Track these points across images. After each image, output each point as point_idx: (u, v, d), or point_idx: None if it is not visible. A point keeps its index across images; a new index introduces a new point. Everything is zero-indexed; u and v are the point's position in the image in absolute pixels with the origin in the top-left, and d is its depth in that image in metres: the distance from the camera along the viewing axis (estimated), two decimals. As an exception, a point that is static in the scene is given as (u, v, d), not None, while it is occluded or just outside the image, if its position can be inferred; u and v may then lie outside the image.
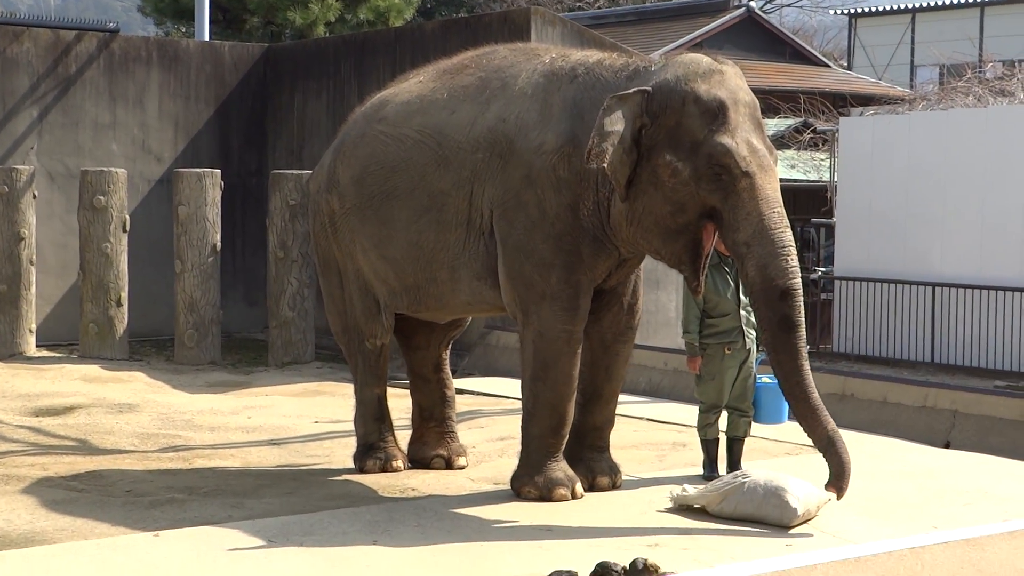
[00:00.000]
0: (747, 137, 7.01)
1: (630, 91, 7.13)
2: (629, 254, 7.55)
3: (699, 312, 7.99)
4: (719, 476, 7.90)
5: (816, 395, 6.90)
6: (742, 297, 7.95)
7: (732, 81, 7.16)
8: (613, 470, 7.90)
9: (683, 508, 7.27)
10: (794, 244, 7.01)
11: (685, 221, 7.11)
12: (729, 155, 6.92)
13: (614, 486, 7.83)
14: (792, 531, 6.88)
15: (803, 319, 6.93)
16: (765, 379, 8.14)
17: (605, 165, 7.03)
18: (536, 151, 7.45)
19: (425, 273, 7.95)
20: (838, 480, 6.89)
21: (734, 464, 8.11)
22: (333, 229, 8.42)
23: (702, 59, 7.24)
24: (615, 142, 7.01)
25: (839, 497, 6.94)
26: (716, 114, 7.00)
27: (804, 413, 6.89)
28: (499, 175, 7.57)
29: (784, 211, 7.02)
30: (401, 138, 8.01)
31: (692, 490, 7.32)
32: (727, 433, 8.19)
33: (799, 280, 6.96)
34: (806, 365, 6.91)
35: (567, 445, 7.69)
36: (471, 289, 7.85)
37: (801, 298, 6.94)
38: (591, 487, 7.72)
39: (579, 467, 7.75)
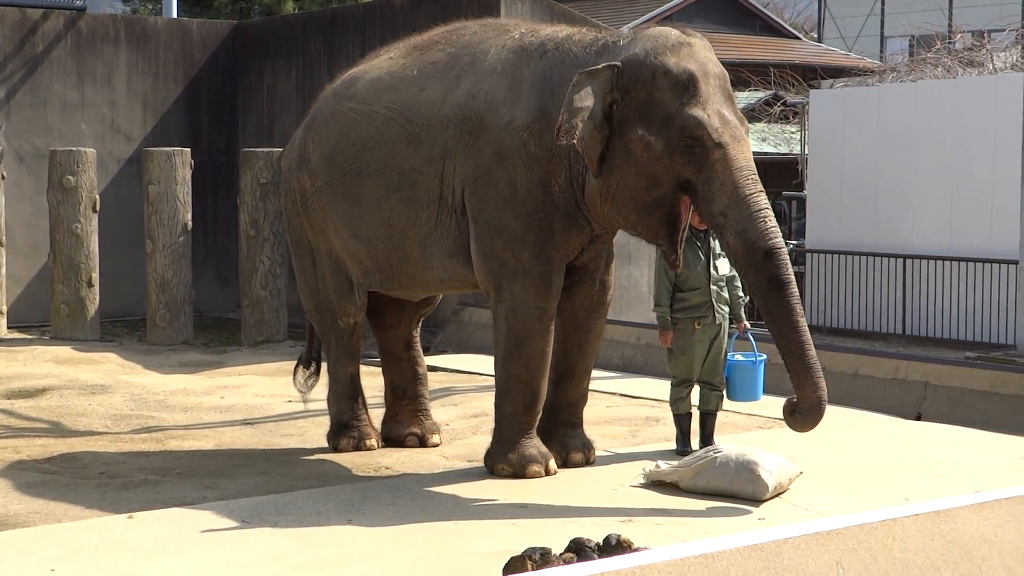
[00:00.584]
0: (718, 108, 7.02)
1: (599, 66, 7.12)
2: (602, 230, 7.55)
3: (670, 286, 8.01)
4: (692, 451, 7.94)
5: (812, 353, 6.84)
6: (712, 272, 7.97)
7: (701, 53, 7.16)
8: (587, 446, 7.92)
9: (656, 484, 7.30)
10: (770, 208, 7.01)
11: (660, 195, 7.11)
12: (701, 127, 6.93)
13: (588, 462, 7.86)
14: (764, 505, 6.91)
15: (792, 276, 6.92)
16: (738, 356, 8.15)
17: (575, 141, 7.03)
18: (506, 127, 7.44)
19: (397, 251, 7.94)
20: (804, 416, 6.88)
21: (707, 438, 8.14)
22: (305, 207, 8.40)
23: (671, 32, 7.24)
24: (585, 118, 7.00)
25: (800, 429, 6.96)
26: (687, 86, 7.00)
27: (797, 370, 6.83)
28: (470, 152, 7.56)
29: (758, 178, 7.03)
30: (371, 115, 7.99)
31: (665, 466, 7.35)
32: (699, 407, 8.22)
33: (781, 239, 6.96)
34: (802, 321, 6.89)
35: (540, 422, 7.71)
36: (443, 267, 7.85)
37: (786, 256, 6.93)
38: (564, 463, 7.74)
39: (552, 443, 7.77)
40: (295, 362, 9.27)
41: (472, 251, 7.61)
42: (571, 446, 7.86)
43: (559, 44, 7.56)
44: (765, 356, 8.11)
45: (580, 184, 7.34)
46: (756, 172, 7.05)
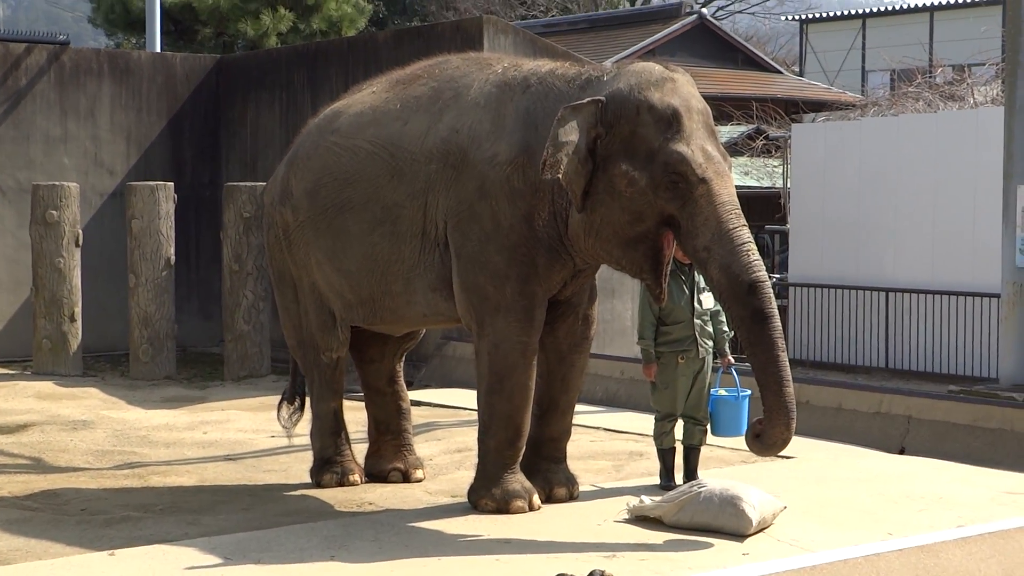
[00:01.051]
0: (702, 144, 7.04)
1: (584, 101, 7.14)
2: (584, 264, 7.56)
3: (654, 319, 7.99)
4: (675, 485, 7.92)
5: (790, 390, 6.87)
6: (696, 306, 7.97)
7: (684, 89, 7.19)
8: (570, 481, 7.90)
9: (640, 519, 7.28)
10: (753, 242, 7.03)
11: (644, 230, 7.12)
12: (685, 163, 6.95)
13: (571, 497, 7.84)
14: (749, 540, 6.90)
15: (775, 310, 6.94)
16: (722, 392, 8.14)
17: (560, 176, 7.04)
18: (489, 162, 7.45)
19: (380, 286, 7.94)
20: (764, 447, 6.96)
21: (690, 473, 8.12)
22: (287, 242, 8.40)
23: (654, 67, 7.26)
24: (569, 152, 7.02)
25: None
26: (671, 122, 7.02)
27: (771, 406, 6.85)
28: (453, 186, 7.56)
29: (741, 213, 7.05)
30: (354, 150, 7.99)
31: (649, 501, 7.34)
32: (683, 442, 8.20)
33: (764, 273, 6.97)
34: (783, 356, 6.90)
35: (524, 457, 7.69)
36: (427, 301, 7.84)
37: (770, 290, 6.93)
38: (548, 498, 7.72)
39: (536, 478, 7.75)
40: (278, 397, 9.25)
41: (454, 286, 7.61)
42: (555, 481, 7.84)
43: (542, 78, 7.58)
44: (749, 392, 8.08)
45: (564, 219, 7.35)
46: (739, 207, 7.07)
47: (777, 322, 6.91)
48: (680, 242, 7.12)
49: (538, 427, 7.82)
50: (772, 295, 6.95)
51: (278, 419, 9.07)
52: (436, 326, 8.63)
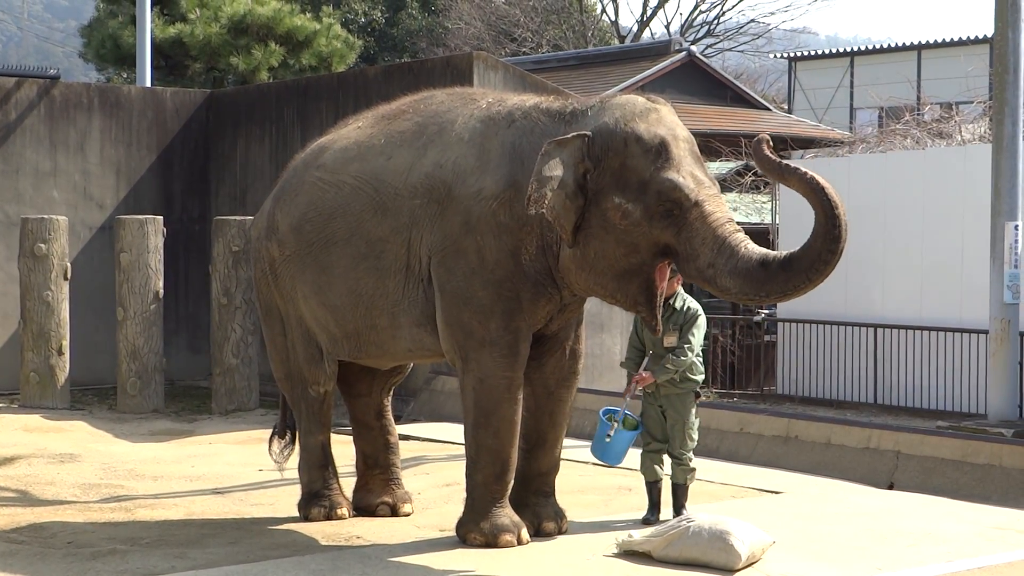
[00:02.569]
0: (691, 170, 7.11)
1: (569, 136, 7.17)
2: (572, 298, 7.56)
3: (639, 345, 8.07)
4: (657, 520, 7.91)
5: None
6: (668, 343, 7.95)
7: (668, 118, 7.26)
8: (559, 515, 7.89)
9: (629, 553, 7.27)
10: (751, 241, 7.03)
11: (639, 261, 7.15)
12: (678, 189, 7.00)
13: (560, 531, 7.83)
14: (737, 574, 6.88)
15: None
16: (616, 419, 8.03)
17: (545, 211, 7.05)
18: (475, 197, 7.45)
19: (365, 320, 7.93)
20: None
21: (678, 510, 8.10)
22: (274, 276, 8.40)
23: (637, 99, 7.32)
24: (555, 187, 7.03)
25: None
26: (659, 151, 7.08)
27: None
28: (437, 221, 7.57)
29: (738, 226, 7.07)
30: (339, 185, 8.00)
31: (637, 535, 7.33)
32: (670, 479, 8.19)
33: (766, 249, 6.98)
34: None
35: (512, 491, 7.68)
36: (411, 336, 7.83)
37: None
38: (537, 532, 7.72)
39: (525, 513, 7.74)
40: (267, 431, 9.24)
41: (438, 320, 7.60)
42: (544, 515, 7.83)
43: (527, 113, 7.59)
44: (640, 429, 8.07)
45: (554, 253, 7.35)
46: (735, 221, 7.11)
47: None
48: (681, 268, 7.16)
49: (526, 461, 7.82)
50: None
51: (269, 453, 9.05)
52: (422, 360, 8.63)
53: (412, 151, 7.79)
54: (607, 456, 8.07)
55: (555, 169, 7.07)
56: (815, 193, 6.78)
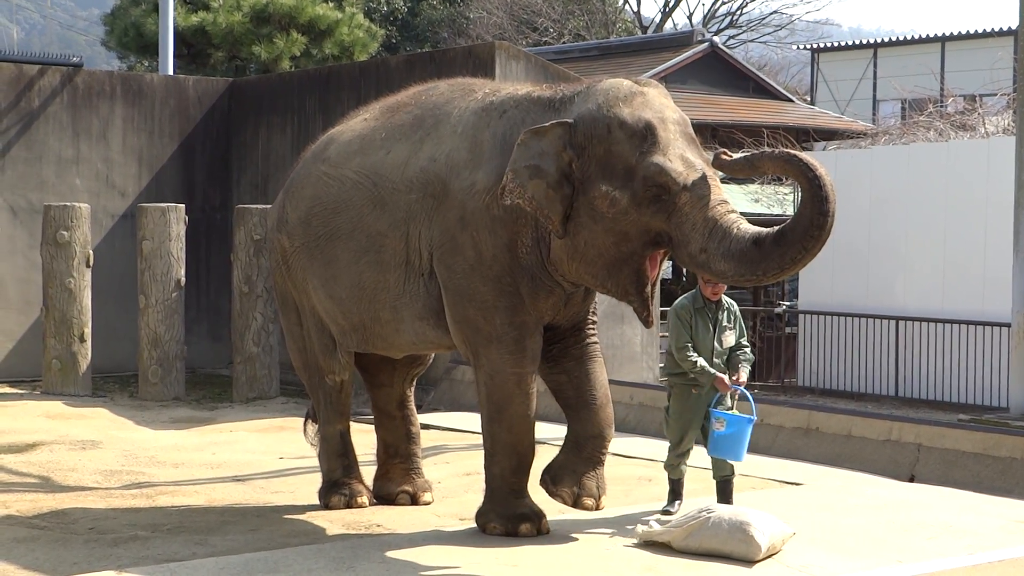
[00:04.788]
0: (681, 152, 6.94)
1: (547, 124, 7.08)
2: (573, 288, 7.47)
3: (689, 338, 7.78)
4: (676, 510, 7.87)
5: None
6: (716, 346, 7.84)
7: (656, 101, 7.10)
8: (601, 491, 7.69)
9: (648, 544, 7.26)
10: (744, 220, 6.91)
11: (630, 250, 7.04)
12: (664, 173, 6.85)
13: (597, 509, 7.70)
14: (758, 565, 6.88)
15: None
16: (729, 412, 7.91)
17: (522, 202, 7.00)
18: (468, 191, 7.39)
19: (369, 313, 7.91)
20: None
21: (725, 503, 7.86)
22: (287, 267, 8.41)
23: (622, 83, 7.17)
24: (531, 176, 6.97)
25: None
26: (644, 135, 6.93)
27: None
28: (434, 216, 7.52)
29: (731, 205, 6.93)
30: (342, 179, 8.00)
31: (657, 526, 7.32)
32: (714, 476, 8.04)
33: (759, 228, 6.84)
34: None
35: (562, 454, 7.62)
36: (414, 329, 7.81)
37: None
38: (575, 503, 7.60)
39: (567, 479, 7.61)
40: (287, 419, 9.26)
41: (447, 317, 7.56)
42: (587, 488, 7.62)
43: (519, 103, 7.50)
44: (754, 418, 7.97)
45: (547, 244, 7.26)
46: (728, 202, 6.94)
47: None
48: (676, 254, 7.01)
49: (577, 424, 7.65)
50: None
51: (305, 438, 9.06)
52: (427, 352, 8.56)
53: (409, 145, 7.75)
54: (733, 452, 7.79)
55: (532, 158, 7.01)
56: (790, 164, 6.68)
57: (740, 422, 7.79)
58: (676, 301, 8.05)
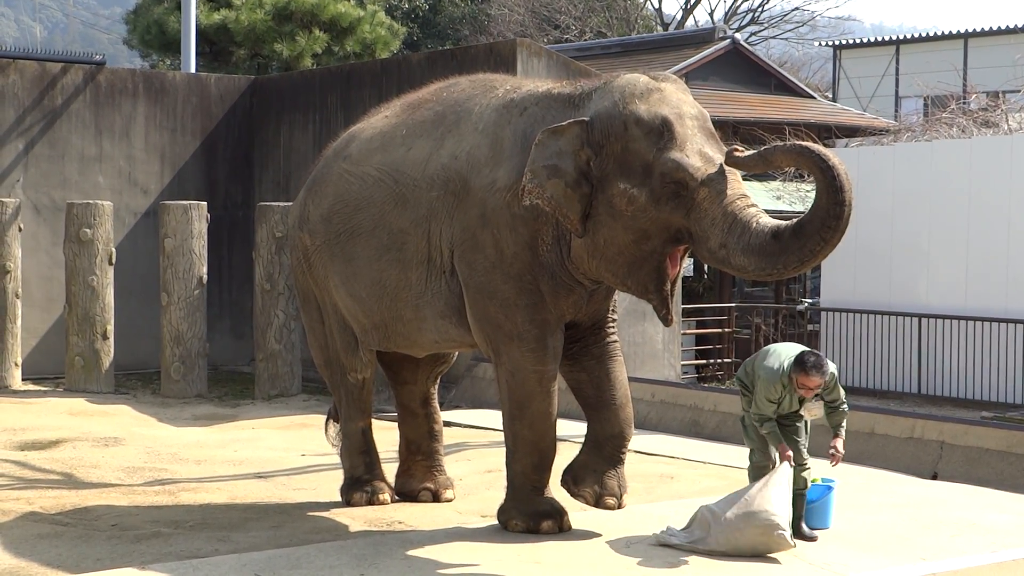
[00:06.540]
0: (699, 148, 6.89)
1: (564, 123, 7.05)
2: (593, 286, 7.45)
3: (773, 410, 7.30)
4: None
5: None
6: (812, 415, 7.41)
7: (674, 96, 7.04)
8: (622, 490, 7.67)
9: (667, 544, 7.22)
10: (764, 213, 6.84)
11: (650, 247, 6.99)
12: (681, 169, 6.79)
13: (619, 507, 7.69)
14: (780, 563, 6.85)
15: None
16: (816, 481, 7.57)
17: (541, 202, 6.98)
18: (489, 189, 7.36)
19: (390, 311, 7.90)
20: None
21: (797, 519, 7.40)
22: (308, 265, 8.41)
23: (639, 79, 7.11)
24: (550, 176, 6.95)
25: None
26: (661, 132, 6.88)
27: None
28: (455, 214, 7.49)
29: (750, 198, 6.86)
30: (363, 176, 7.98)
31: (675, 530, 7.23)
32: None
33: (778, 221, 6.77)
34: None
35: (583, 453, 7.61)
36: (436, 328, 7.79)
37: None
38: (597, 503, 7.60)
39: (589, 479, 7.60)
40: (309, 416, 9.27)
41: (468, 315, 7.53)
42: (608, 487, 7.61)
43: (539, 100, 7.46)
44: (835, 481, 7.71)
45: (567, 242, 7.22)
46: (748, 196, 6.88)
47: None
48: (696, 251, 6.96)
49: (597, 424, 7.63)
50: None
51: (326, 437, 9.06)
52: (450, 350, 8.55)
53: (430, 142, 7.73)
54: (821, 520, 7.54)
55: (550, 158, 6.98)
56: (804, 156, 6.62)
57: (823, 491, 7.59)
58: (776, 365, 7.28)
